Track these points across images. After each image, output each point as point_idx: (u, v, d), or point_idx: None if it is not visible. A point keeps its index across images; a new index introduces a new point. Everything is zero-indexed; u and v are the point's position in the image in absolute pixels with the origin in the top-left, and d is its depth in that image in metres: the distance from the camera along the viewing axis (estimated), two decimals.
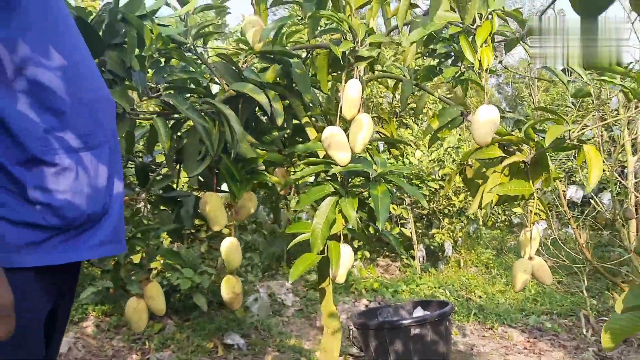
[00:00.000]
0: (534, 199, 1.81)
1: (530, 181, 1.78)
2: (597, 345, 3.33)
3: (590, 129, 4.93)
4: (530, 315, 3.98)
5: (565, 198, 4.58)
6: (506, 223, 7.42)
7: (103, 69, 1.36)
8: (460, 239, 6.00)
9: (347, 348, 3.27)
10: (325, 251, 1.66)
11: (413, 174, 5.10)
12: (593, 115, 3.99)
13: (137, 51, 1.48)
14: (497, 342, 3.45)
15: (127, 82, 1.48)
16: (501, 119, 1.98)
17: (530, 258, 1.77)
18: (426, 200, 5.40)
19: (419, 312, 2.42)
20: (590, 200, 4.76)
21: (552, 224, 4.65)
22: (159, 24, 1.52)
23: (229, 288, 1.79)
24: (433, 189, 5.18)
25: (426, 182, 5.09)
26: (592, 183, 1.64)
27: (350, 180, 1.76)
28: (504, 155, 1.78)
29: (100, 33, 1.37)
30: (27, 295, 0.87)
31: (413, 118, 5.74)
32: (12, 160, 0.84)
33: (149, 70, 1.52)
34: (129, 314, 1.79)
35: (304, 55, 2.02)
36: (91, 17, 1.40)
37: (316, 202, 1.72)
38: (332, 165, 1.64)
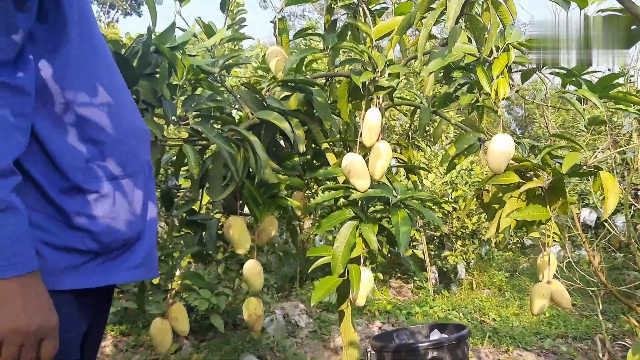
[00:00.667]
0: (550, 224, 1.84)
1: (547, 206, 1.81)
2: None
3: (603, 152, 4.95)
4: (545, 338, 3.95)
5: (579, 221, 4.58)
6: (518, 245, 7.39)
7: (136, 98, 1.42)
8: (472, 260, 5.99)
9: None
10: (346, 274, 1.70)
11: (427, 197, 5.13)
12: (607, 137, 4.02)
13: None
14: None
15: (157, 110, 1.55)
16: (516, 144, 2.03)
17: (548, 282, 1.79)
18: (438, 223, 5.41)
19: (435, 336, 2.44)
20: (604, 223, 4.75)
21: (566, 247, 4.64)
22: (188, 55, 1.59)
23: (250, 310, 1.83)
24: (446, 211, 5.20)
25: (439, 204, 5.11)
26: (609, 209, 1.67)
27: (369, 205, 1.80)
28: (520, 181, 1.81)
29: (134, 64, 1.44)
30: (67, 317, 0.91)
31: (426, 141, 5.79)
32: (55, 189, 0.89)
33: (180, 99, 1.58)
34: (154, 333, 1.83)
35: (322, 81, 2.09)
36: (124, 50, 1.47)
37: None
38: (352, 191, 1.69)
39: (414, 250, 5.57)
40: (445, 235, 5.75)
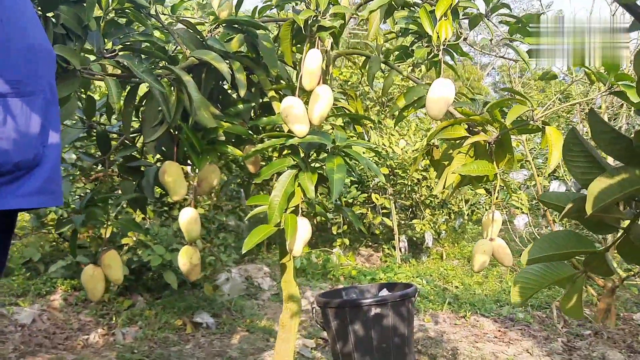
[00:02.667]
0: (497, 181, 1.81)
1: (494, 162, 1.77)
2: (567, 336, 3.34)
3: (575, 123, 4.91)
4: (504, 306, 3.99)
5: (543, 191, 4.57)
6: None
7: (55, 23, 1.33)
8: (444, 232, 6.01)
9: (318, 331, 3.27)
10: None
11: (397, 163, 5.09)
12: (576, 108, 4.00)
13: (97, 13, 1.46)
14: (468, 330, 3.46)
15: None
16: (471, 100, 1.97)
17: (491, 239, 1.76)
18: (408, 191, 5.39)
19: (383, 294, 2.42)
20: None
21: (532, 221, 4.66)
22: None
23: (186, 258, 1.77)
24: (415, 179, 5.18)
25: (409, 172, 5.08)
26: (552, 164, 1.63)
27: (310, 154, 1.74)
28: (468, 135, 1.77)
29: None
30: None
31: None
32: None
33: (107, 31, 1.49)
34: (85, 281, 1.77)
35: (275, 32, 2.01)
36: None
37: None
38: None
39: (384, 219, 5.56)
40: (416, 205, 5.74)
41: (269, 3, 2.01)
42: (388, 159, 4.94)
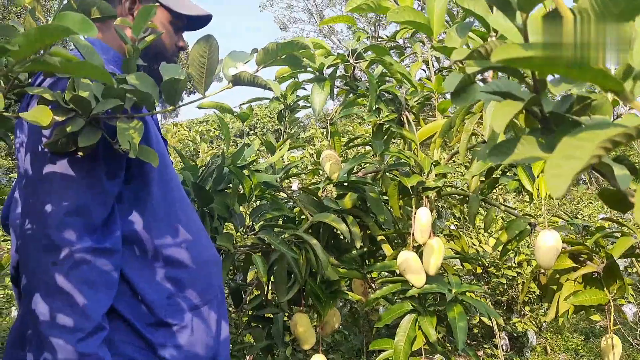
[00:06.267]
0: (610, 307, 1.86)
1: (605, 289, 1.84)
2: None
3: None
4: None
5: None
6: None
7: (211, 215, 1.60)
8: (544, 323, 5.77)
9: None
10: None
11: (488, 261, 5.07)
12: None
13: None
14: None
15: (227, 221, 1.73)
16: (570, 225, 2.07)
17: None
18: (504, 288, 5.30)
19: None
20: None
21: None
22: (254, 170, 1.77)
23: None
24: (510, 277, 5.11)
25: (502, 269, 5.04)
26: None
27: (427, 297, 1.88)
28: (574, 265, 1.86)
29: (209, 185, 1.63)
30: None
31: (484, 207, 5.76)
32: (142, 323, 1.03)
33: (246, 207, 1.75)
34: None
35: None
36: (201, 169, 1.67)
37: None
38: (408, 285, 1.78)
39: (482, 318, 5.45)
40: (512, 299, 5.60)
41: (366, 163, 2.25)
42: (480, 258, 4.94)
